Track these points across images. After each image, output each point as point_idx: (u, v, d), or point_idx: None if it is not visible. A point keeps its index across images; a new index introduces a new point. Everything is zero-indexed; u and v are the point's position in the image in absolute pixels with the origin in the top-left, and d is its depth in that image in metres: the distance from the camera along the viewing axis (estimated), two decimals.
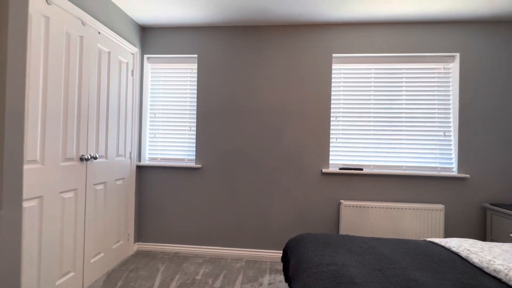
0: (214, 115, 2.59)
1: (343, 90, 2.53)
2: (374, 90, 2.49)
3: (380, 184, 2.44)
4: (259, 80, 2.55)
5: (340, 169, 2.46)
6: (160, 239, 2.62)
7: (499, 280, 1.15)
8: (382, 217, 2.34)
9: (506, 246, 1.47)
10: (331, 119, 2.52)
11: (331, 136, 2.53)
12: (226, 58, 2.58)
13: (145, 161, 2.68)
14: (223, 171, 2.58)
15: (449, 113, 2.44)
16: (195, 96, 2.64)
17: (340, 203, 2.43)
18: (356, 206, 2.36)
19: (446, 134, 2.44)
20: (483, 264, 1.25)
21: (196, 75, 2.65)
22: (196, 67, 2.64)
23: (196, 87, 2.63)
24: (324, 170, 2.44)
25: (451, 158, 2.42)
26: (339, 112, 2.53)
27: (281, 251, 2.50)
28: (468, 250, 1.39)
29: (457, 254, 1.42)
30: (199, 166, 2.56)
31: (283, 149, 2.52)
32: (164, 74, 2.70)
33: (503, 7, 2.12)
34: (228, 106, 2.58)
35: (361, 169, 2.44)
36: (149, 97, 2.71)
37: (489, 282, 1.13)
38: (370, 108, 2.50)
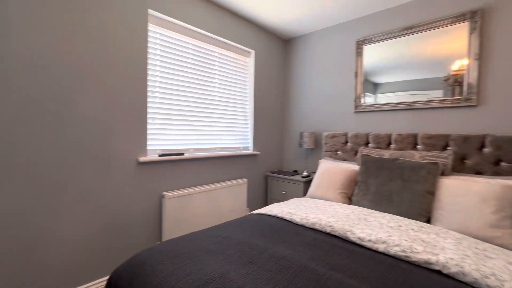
0: None
1: (161, 61, 2.09)
2: (192, 69, 2.31)
3: (200, 168, 2.36)
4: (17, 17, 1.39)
5: (160, 155, 2.05)
6: None
7: (316, 230, 1.51)
8: (205, 201, 2.30)
9: (309, 202, 1.99)
10: (148, 93, 2.01)
11: (148, 116, 2.01)
12: None
13: None
14: None
15: (247, 101, 2.88)
16: None
17: (163, 196, 2.05)
18: (181, 196, 2.11)
19: (245, 118, 2.87)
20: (303, 221, 1.58)
21: None
22: None
23: None
24: (141, 159, 1.91)
25: (248, 139, 2.91)
26: (156, 86, 2.07)
27: None
28: (289, 212, 1.71)
29: (282, 219, 1.70)
30: None
31: (75, 133, 1.62)
32: None
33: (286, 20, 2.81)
34: None
35: (183, 154, 2.21)
36: None
37: (311, 233, 1.44)
38: (189, 88, 2.29)
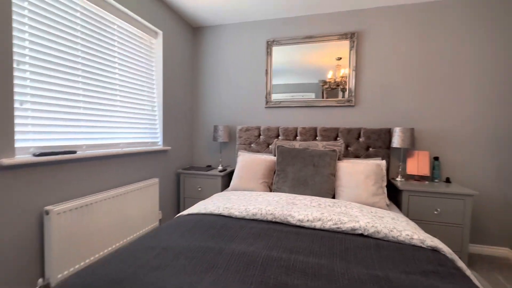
0: None
1: (31, 20, 1.45)
2: (82, 39, 1.75)
3: (100, 170, 1.85)
4: None
5: (37, 155, 1.44)
6: None
7: (257, 220, 1.53)
8: (109, 210, 1.83)
9: (236, 195, 1.95)
10: (14, 65, 1.35)
11: (15, 98, 1.36)
12: None
13: None
14: None
15: (154, 89, 2.50)
16: None
17: (46, 212, 1.45)
18: (75, 209, 1.58)
19: (153, 109, 2.48)
20: (243, 214, 1.56)
21: None
22: None
23: None
24: (5, 161, 1.27)
25: (157, 133, 2.54)
26: (26, 56, 1.43)
27: None
28: (226, 207, 1.64)
29: (220, 215, 1.60)
30: None
31: None
32: None
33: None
34: None
35: (74, 152, 1.65)
36: None
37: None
38: (78, 64, 1.72)
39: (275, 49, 2.76)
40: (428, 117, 2.41)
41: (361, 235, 1.37)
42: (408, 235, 1.30)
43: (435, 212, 2.06)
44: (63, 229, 1.50)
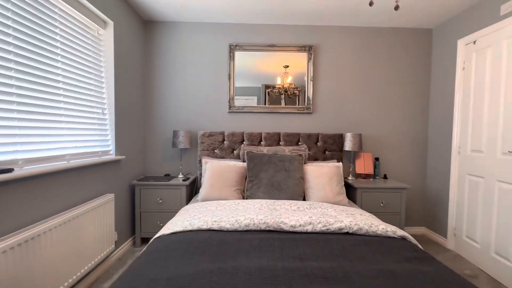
0: None
1: None
2: (15, 21, 1.34)
3: (43, 191, 1.46)
4: None
5: None
6: None
7: (250, 231, 1.50)
8: (57, 241, 1.46)
9: (213, 205, 1.84)
10: None
11: None
12: None
13: None
14: None
15: (103, 87, 2.12)
16: None
17: None
18: (11, 248, 1.20)
19: (104, 112, 2.10)
20: (235, 226, 1.51)
21: None
22: None
23: None
24: None
25: (108, 140, 2.16)
26: None
27: None
28: (214, 221, 1.54)
29: (209, 230, 1.50)
30: None
31: None
32: None
33: None
34: None
35: (10, 170, 1.26)
36: None
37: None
38: (9, 53, 1.32)
39: (238, 54, 2.75)
40: (371, 124, 2.85)
41: (347, 233, 1.52)
42: (383, 228, 1.52)
43: (381, 204, 2.46)
44: (1, 275, 1.12)
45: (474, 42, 2.30)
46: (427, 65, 2.84)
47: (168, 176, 2.63)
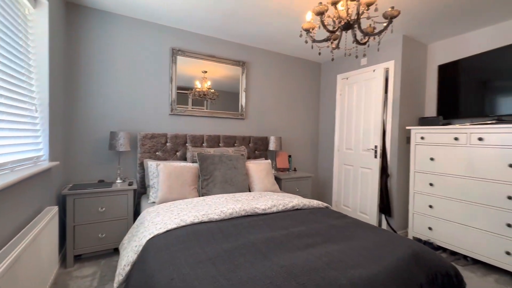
0: None
1: None
2: None
3: None
4: None
5: None
6: None
7: (234, 218, 1.82)
8: None
9: (182, 204, 1.96)
10: None
11: None
12: None
13: None
14: None
15: (33, 79, 1.74)
16: None
17: None
18: None
19: (38, 109, 1.72)
20: (222, 215, 1.78)
21: None
22: None
23: None
24: None
25: (40, 143, 1.78)
26: None
27: None
28: (203, 214, 1.73)
29: (201, 222, 1.68)
30: None
31: None
32: None
33: None
34: None
35: None
36: None
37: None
38: None
39: (179, 59, 2.84)
40: (285, 129, 3.67)
41: (297, 209, 2.13)
42: (316, 203, 2.24)
43: (297, 190, 3.29)
44: None
45: (347, 78, 3.54)
46: (318, 89, 3.99)
47: (102, 182, 2.37)
